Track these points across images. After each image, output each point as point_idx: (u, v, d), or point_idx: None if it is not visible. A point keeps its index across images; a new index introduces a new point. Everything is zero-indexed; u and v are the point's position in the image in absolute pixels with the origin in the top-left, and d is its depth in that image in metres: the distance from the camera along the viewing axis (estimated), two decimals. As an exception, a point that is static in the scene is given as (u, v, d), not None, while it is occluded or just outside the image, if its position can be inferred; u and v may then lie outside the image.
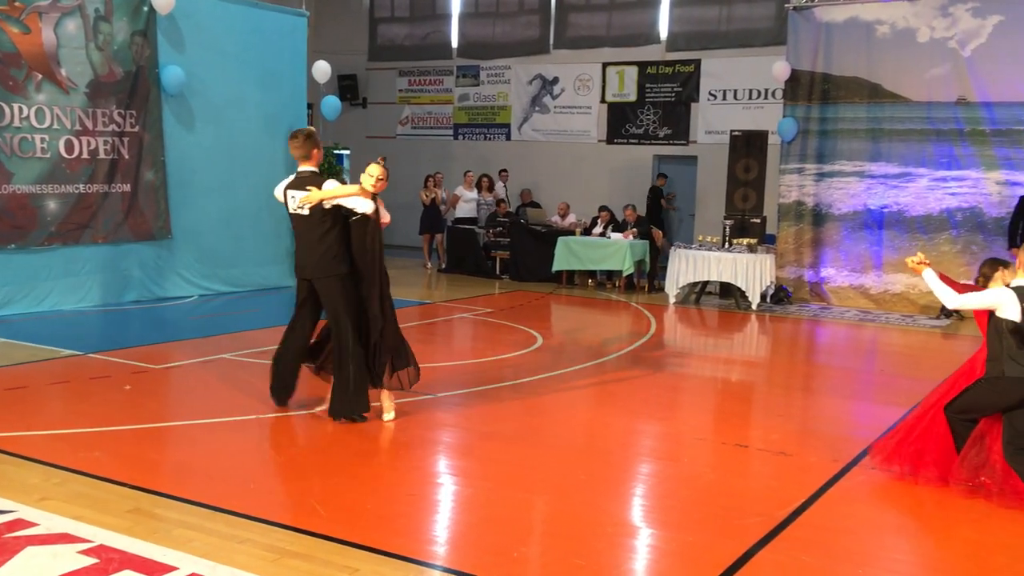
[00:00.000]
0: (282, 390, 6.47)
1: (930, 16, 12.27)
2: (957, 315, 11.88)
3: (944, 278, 5.35)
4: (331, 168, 13.33)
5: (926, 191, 12.43)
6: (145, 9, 11.01)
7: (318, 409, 6.39)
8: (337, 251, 6.10)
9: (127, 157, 11.01)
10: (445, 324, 10.93)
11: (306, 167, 6.27)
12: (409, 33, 19.73)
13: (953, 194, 12.29)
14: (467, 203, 15.93)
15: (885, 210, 12.67)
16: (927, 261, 5.35)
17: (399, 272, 15.36)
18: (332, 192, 6.08)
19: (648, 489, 5.32)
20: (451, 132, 19.35)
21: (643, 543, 4.46)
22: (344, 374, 6.07)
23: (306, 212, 6.08)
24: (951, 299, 5.21)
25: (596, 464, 5.59)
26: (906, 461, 5.32)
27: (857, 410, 7.43)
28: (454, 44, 19.11)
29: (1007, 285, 5.08)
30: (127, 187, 11.03)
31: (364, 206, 6.07)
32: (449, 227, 15.87)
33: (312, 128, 6.53)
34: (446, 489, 5.15)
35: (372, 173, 6.10)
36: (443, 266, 15.80)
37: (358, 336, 6.10)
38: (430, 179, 16.01)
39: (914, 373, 8.95)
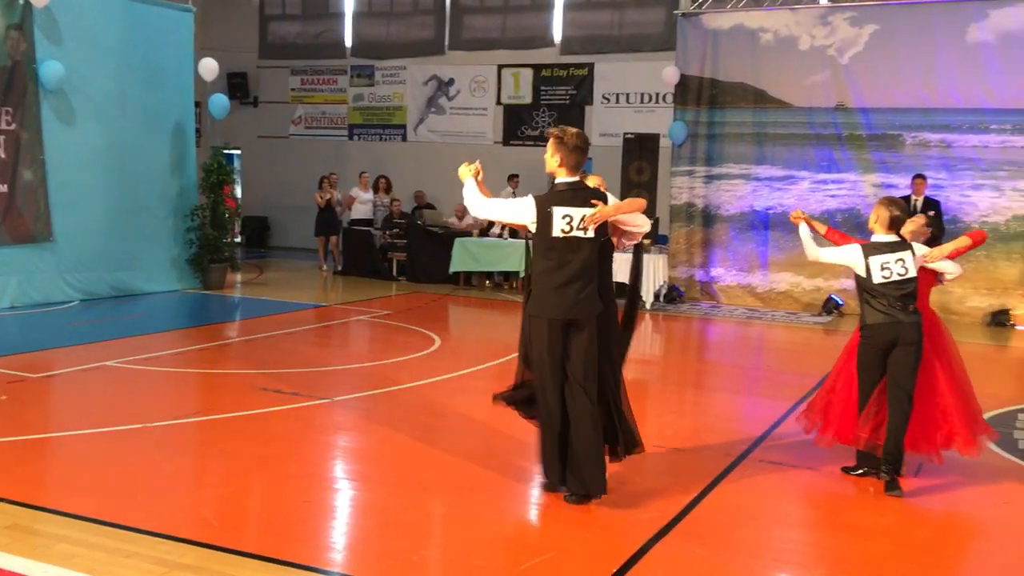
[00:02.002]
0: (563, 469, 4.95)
1: (810, 24, 12.79)
2: (838, 312, 12.43)
3: (833, 233, 5.82)
4: (220, 168, 12.94)
5: (808, 193, 12.94)
6: (20, 2, 10.48)
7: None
8: (606, 281, 5.06)
9: (3, 156, 10.46)
10: (341, 327, 10.77)
11: (573, 177, 4.91)
12: (301, 31, 19.39)
13: (833, 196, 12.84)
14: (363, 204, 15.75)
15: (770, 211, 13.14)
16: (804, 216, 5.80)
17: (294, 275, 15.09)
18: (622, 206, 5.02)
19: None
20: (346, 132, 19.11)
21: (541, 542, 4.49)
22: (592, 438, 4.80)
23: (591, 234, 4.82)
24: (812, 252, 5.67)
25: (493, 465, 5.60)
26: (827, 424, 5.60)
27: (747, 405, 7.67)
28: (348, 43, 18.88)
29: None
30: (4, 187, 10.49)
31: (646, 224, 5.16)
32: (345, 229, 15.67)
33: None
34: (344, 494, 5.08)
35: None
36: (339, 268, 15.59)
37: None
38: (325, 180, 15.77)
39: (798, 368, 9.30)
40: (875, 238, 5.39)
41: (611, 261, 5.18)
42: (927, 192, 11.67)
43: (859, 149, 12.67)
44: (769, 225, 13.14)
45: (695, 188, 13.54)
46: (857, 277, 5.41)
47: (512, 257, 13.66)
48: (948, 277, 5.49)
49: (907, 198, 11.62)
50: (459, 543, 4.39)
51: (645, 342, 11.17)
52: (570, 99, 17.06)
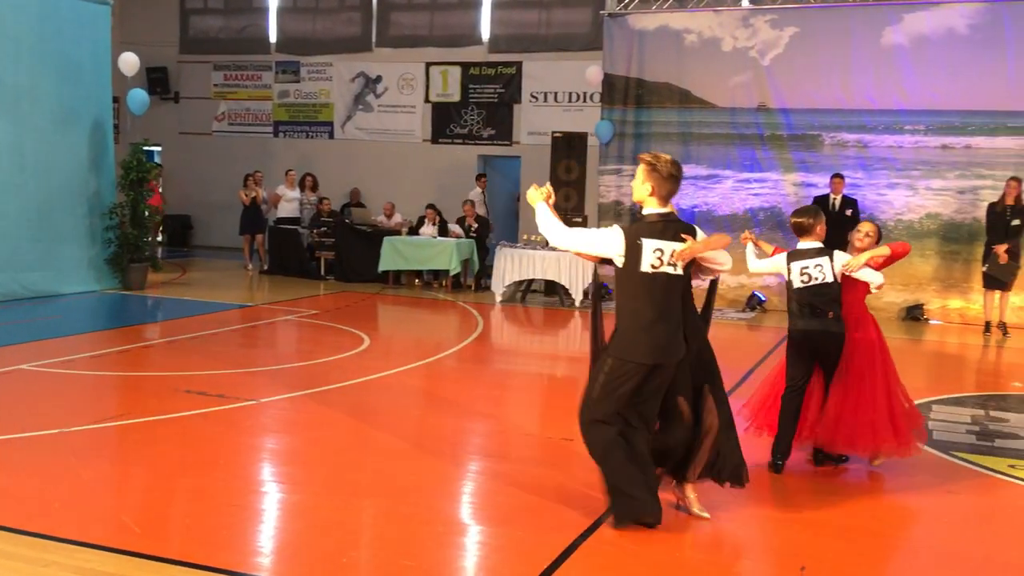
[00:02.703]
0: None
1: (733, 26, 13.05)
2: (761, 308, 12.71)
3: (779, 251, 5.83)
4: (140, 166, 12.58)
5: (732, 192, 13.21)
6: (-77, -10, 10.06)
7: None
8: (689, 319, 4.71)
9: (-96, 152, 10.01)
10: (268, 327, 10.59)
11: (664, 208, 4.54)
12: (224, 26, 19.01)
13: (756, 195, 13.13)
14: (289, 202, 15.51)
15: (696, 210, 13.36)
16: (752, 237, 6.00)
17: (218, 275, 14.78)
18: (710, 242, 4.64)
19: (477, 487, 5.36)
20: (271, 129, 18.79)
21: (472, 540, 4.49)
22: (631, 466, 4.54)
23: (679, 271, 4.50)
24: (751, 265, 5.92)
25: (425, 464, 5.58)
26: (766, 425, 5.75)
27: (673, 400, 7.77)
28: (272, 39, 18.57)
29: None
30: (-95, 185, 10.04)
31: (728, 262, 4.81)
32: (271, 227, 15.42)
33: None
34: (271, 497, 4.99)
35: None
36: (265, 267, 15.32)
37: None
38: (250, 178, 15.49)
39: (722, 363, 9.43)
40: (799, 245, 5.58)
41: (692, 299, 4.83)
42: (845, 191, 12.00)
43: (780, 149, 12.97)
44: (695, 223, 13.23)
45: (623, 186, 13.69)
46: (786, 283, 5.63)
47: (441, 255, 13.63)
48: (873, 288, 5.61)
49: (826, 197, 11.96)
50: (390, 544, 4.36)
51: (575, 340, 11.26)
52: (499, 97, 17.08)
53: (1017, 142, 11.97)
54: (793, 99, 12.84)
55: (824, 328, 5.43)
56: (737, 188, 13.20)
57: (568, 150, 13.61)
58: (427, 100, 17.60)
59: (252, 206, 15.30)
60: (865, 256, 5.57)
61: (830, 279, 5.45)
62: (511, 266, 12.87)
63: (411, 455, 5.79)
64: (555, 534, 4.45)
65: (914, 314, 12.25)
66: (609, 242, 4.49)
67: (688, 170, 13.38)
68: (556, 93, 16.64)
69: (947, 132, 12.29)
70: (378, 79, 17.85)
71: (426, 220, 14.65)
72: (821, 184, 12.41)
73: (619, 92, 13.59)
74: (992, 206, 11.27)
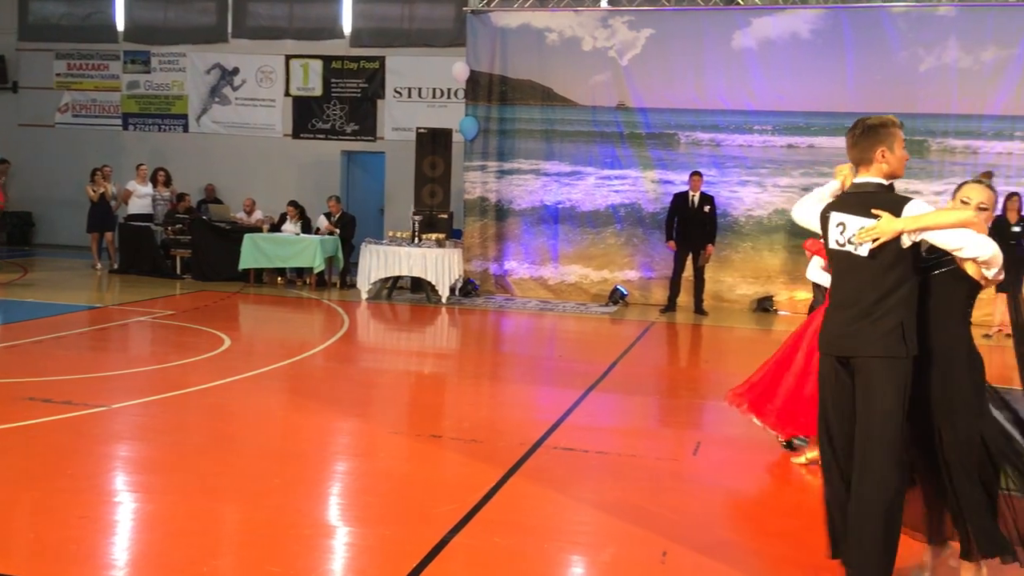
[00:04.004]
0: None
1: (592, 26, 13.32)
2: (624, 302, 13.06)
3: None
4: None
5: (594, 188, 13.50)
6: None
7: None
8: (903, 319, 3.64)
9: None
10: (120, 329, 10.10)
11: (868, 177, 3.78)
12: (67, 12, 17.97)
13: (617, 191, 13.47)
14: (141, 199, 14.84)
15: (559, 206, 13.59)
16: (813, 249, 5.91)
17: (64, 275, 13.99)
18: (926, 220, 3.59)
19: (344, 487, 5.29)
20: (120, 122, 17.90)
21: (340, 542, 4.43)
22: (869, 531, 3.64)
23: (864, 252, 3.67)
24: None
25: (291, 467, 5.45)
26: (771, 415, 5.76)
27: (540, 394, 7.90)
28: (120, 27, 17.68)
29: None
30: None
31: (982, 248, 3.56)
32: (121, 224, 14.70)
33: (886, 117, 3.80)
34: (125, 507, 4.77)
35: (972, 198, 3.79)
36: (115, 267, 14.60)
37: (899, 463, 3.66)
38: (98, 173, 14.71)
39: (588, 357, 9.69)
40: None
41: (953, 300, 3.74)
42: (703, 188, 12.45)
43: (639, 147, 13.35)
44: (559, 219, 13.60)
45: (488, 183, 13.77)
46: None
47: (305, 253, 13.35)
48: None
49: (685, 194, 12.39)
50: (254, 550, 4.24)
51: (442, 336, 11.25)
52: (362, 92, 16.85)
53: (855, 142, 12.71)
54: (650, 98, 13.22)
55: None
56: (599, 184, 13.50)
57: (433, 146, 13.58)
58: (287, 94, 17.17)
59: (101, 202, 14.55)
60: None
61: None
62: (377, 263, 12.73)
63: (274, 457, 5.65)
64: (424, 531, 4.44)
65: (764, 305, 12.85)
66: (803, 213, 4.12)
67: (551, 167, 13.62)
68: (420, 89, 16.56)
69: (792, 132, 12.94)
70: (235, 71, 17.28)
71: (288, 217, 14.30)
72: (679, 181, 12.83)
73: (483, 89, 13.67)
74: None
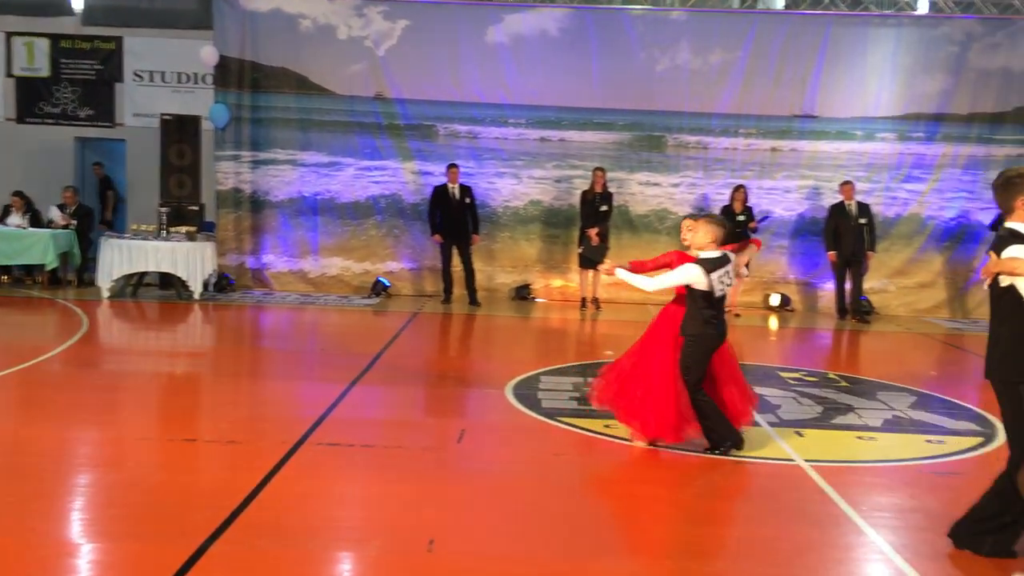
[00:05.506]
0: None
1: (347, 15, 13.14)
2: (386, 294, 13.03)
3: (636, 265, 6.02)
4: None
5: (353, 179, 13.35)
6: None
7: None
8: (1016, 348, 4.18)
9: None
10: None
11: (1011, 223, 4.23)
12: None
13: (377, 182, 13.40)
14: None
15: (318, 197, 13.32)
16: (613, 266, 6.01)
17: None
18: (1014, 263, 4.10)
19: (88, 501, 4.89)
20: None
21: (84, 561, 4.09)
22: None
23: (984, 287, 4.35)
24: (649, 285, 5.88)
25: (25, 484, 4.96)
26: (634, 416, 5.94)
27: (302, 390, 7.70)
28: None
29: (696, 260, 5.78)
30: None
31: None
32: None
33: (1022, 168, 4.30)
34: None
35: None
36: None
37: None
38: None
39: (350, 349, 9.58)
40: (706, 254, 5.74)
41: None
42: (461, 180, 12.63)
43: (398, 138, 13.35)
44: (318, 211, 13.32)
45: (242, 173, 13.24)
46: (692, 290, 5.73)
47: (34, 248, 12.22)
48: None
49: (445, 187, 12.53)
50: (-20, 579, 3.82)
51: (195, 334, 10.70)
52: (97, 75, 15.58)
53: (602, 136, 13.45)
54: (408, 90, 13.25)
55: (724, 330, 5.85)
56: (359, 176, 13.37)
57: (180, 134, 12.86)
58: (9, 74, 15.56)
59: None
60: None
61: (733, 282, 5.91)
62: (119, 258, 11.86)
63: (7, 474, 5.12)
64: (179, 541, 4.20)
65: (522, 293, 13.29)
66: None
67: (309, 157, 13.31)
68: (164, 73, 15.56)
69: (545, 126, 13.46)
70: (-55, 47, 15.42)
71: (12, 209, 12.99)
72: (438, 172, 12.96)
73: (234, 75, 13.09)
74: (584, 194, 12.55)
